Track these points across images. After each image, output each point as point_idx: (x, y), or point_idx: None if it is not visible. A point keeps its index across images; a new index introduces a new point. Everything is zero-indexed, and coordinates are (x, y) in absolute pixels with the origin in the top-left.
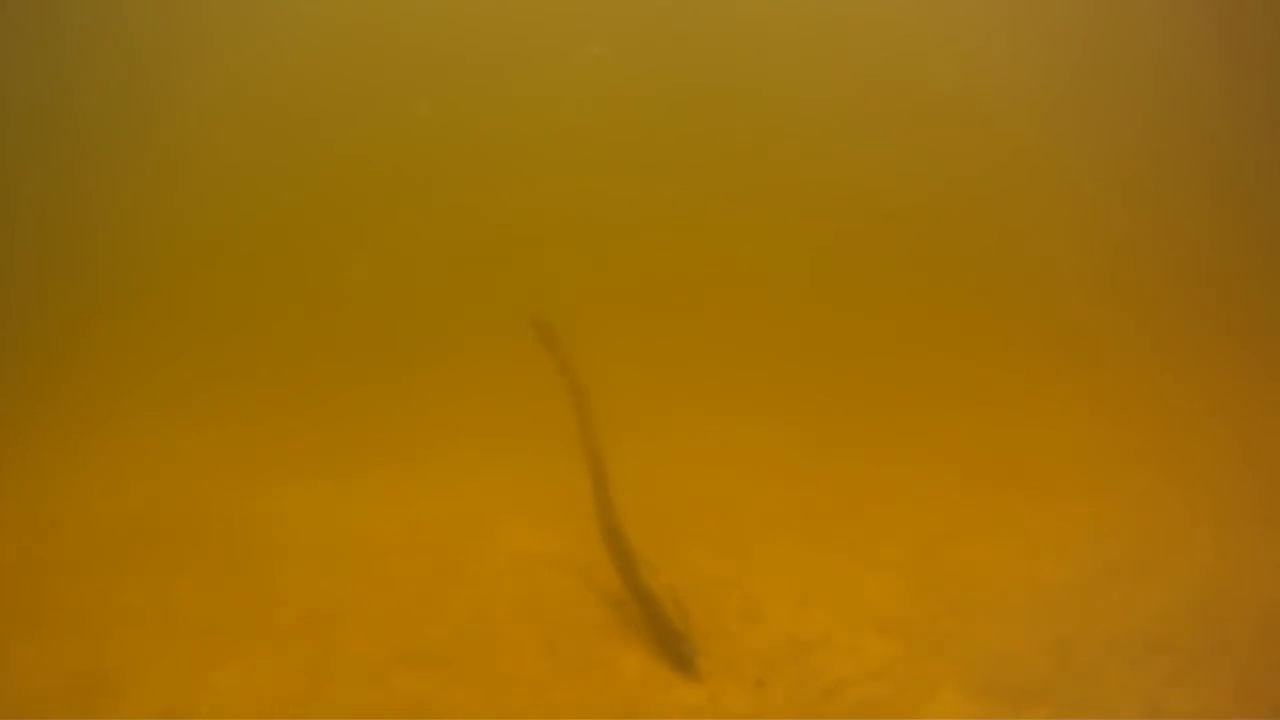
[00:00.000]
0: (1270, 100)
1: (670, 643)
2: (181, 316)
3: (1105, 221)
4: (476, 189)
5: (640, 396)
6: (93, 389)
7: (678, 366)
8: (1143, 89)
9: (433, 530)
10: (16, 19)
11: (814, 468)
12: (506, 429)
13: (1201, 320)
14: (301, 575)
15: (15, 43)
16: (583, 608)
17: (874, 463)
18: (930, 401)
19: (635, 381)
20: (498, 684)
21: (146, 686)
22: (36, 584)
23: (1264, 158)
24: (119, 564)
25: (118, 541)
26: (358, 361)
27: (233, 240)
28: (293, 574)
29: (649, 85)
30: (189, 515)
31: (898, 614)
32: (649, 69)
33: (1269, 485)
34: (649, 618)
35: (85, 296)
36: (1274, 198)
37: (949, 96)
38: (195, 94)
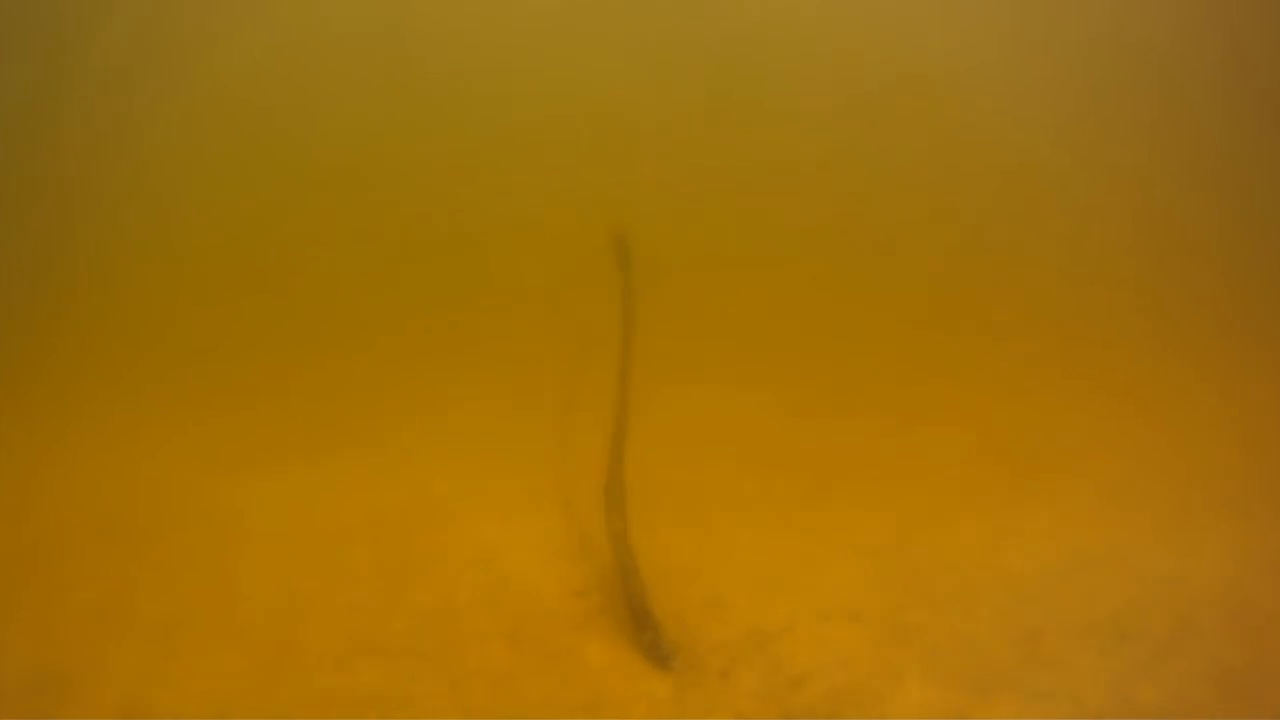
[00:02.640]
0: (1274, 91)
1: (647, 635)
2: (142, 306)
3: (1084, 209)
4: (440, 184)
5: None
6: (47, 380)
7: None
8: (1147, 81)
9: (396, 520)
10: (6, 21)
11: (781, 453)
12: (471, 417)
13: (1176, 315)
14: (263, 567)
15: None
16: (547, 598)
17: (843, 449)
18: (901, 390)
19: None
20: (461, 675)
21: (104, 683)
22: None
23: (1265, 146)
24: (76, 558)
25: (75, 535)
26: (321, 350)
27: (198, 229)
28: (254, 566)
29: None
30: (148, 507)
31: (864, 603)
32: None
33: (1238, 474)
34: (629, 601)
35: (48, 287)
36: (1263, 183)
37: (957, 90)
38: (169, 89)
